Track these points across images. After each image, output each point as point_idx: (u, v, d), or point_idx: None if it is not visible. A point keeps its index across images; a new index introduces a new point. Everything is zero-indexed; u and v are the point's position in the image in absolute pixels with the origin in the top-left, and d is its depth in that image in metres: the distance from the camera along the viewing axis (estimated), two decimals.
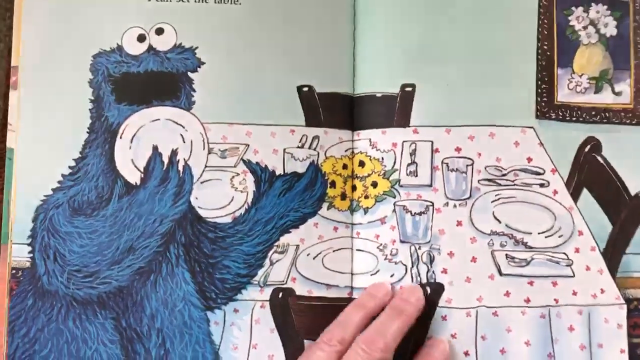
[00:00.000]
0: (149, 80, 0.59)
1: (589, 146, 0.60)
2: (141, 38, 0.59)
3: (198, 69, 0.58)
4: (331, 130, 0.60)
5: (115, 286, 0.59)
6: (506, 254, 0.58)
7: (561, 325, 0.57)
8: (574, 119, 0.60)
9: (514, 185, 0.59)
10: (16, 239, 0.59)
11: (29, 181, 0.59)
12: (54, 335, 0.59)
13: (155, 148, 0.59)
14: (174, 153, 0.58)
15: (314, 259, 0.60)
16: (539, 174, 0.59)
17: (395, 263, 0.59)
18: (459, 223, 0.59)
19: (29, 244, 0.59)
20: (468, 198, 0.60)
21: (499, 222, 0.59)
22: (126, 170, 0.59)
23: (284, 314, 0.59)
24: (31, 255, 0.59)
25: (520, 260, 0.58)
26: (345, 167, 0.60)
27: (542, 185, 0.59)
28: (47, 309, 0.59)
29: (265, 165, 0.59)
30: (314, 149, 0.60)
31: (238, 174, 0.59)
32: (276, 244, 0.59)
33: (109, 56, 0.59)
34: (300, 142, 0.60)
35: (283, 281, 0.59)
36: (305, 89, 0.59)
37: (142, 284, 0.59)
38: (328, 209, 0.60)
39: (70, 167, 0.59)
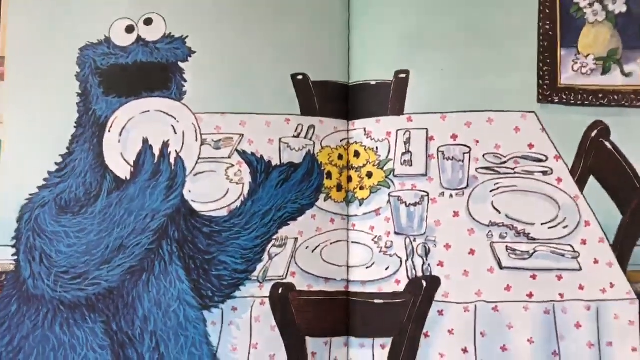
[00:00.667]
0: (138, 72, 0.54)
1: (596, 131, 0.55)
2: (129, 29, 0.56)
3: (189, 58, 0.54)
4: (326, 120, 0.56)
5: (105, 287, 0.53)
6: (507, 246, 0.54)
7: (567, 322, 0.52)
8: (579, 102, 0.55)
9: (515, 173, 0.55)
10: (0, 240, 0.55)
11: (13, 180, 0.54)
12: (39, 343, 0.53)
13: (145, 141, 0.54)
14: (165, 145, 0.54)
15: (312, 252, 0.55)
16: (541, 161, 0.55)
17: (390, 256, 0.54)
18: (456, 214, 0.55)
19: (13, 246, 0.53)
20: (465, 187, 0.55)
21: (499, 212, 0.54)
22: (115, 164, 0.54)
23: (285, 311, 0.53)
24: (15, 257, 0.53)
25: (522, 252, 0.53)
26: (340, 157, 0.56)
27: (544, 173, 0.55)
28: (33, 314, 0.54)
29: (261, 156, 0.54)
30: (310, 139, 0.56)
31: (233, 165, 0.54)
32: (274, 237, 0.54)
33: (96, 48, 0.55)
34: (296, 131, 0.55)
35: (283, 276, 0.54)
36: (300, 77, 0.55)
37: (133, 284, 0.53)
38: (325, 200, 0.55)
39: (57, 164, 0.54)
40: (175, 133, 0.54)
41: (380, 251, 0.55)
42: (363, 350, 0.54)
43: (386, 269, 0.54)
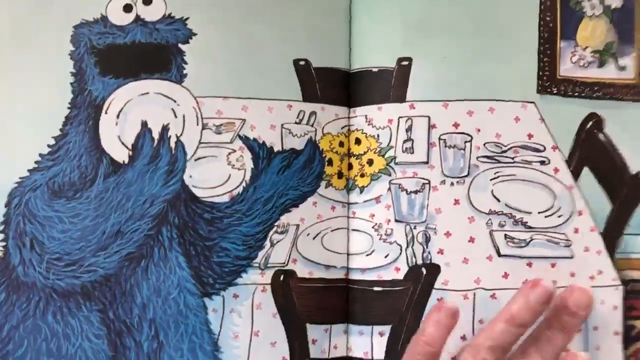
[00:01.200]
0: (137, 52, 0.52)
1: (591, 122, 0.55)
2: (127, 8, 0.53)
3: (190, 40, 0.52)
4: (328, 107, 0.55)
5: (101, 274, 0.51)
6: (505, 234, 0.54)
7: None
8: (576, 94, 0.55)
9: (514, 162, 0.55)
10: None
11: (1, 162, 0.51)
12: (30, 333, 0.50)
13: (144, 124, 0.51)
14: (164, 129, 0.51)
15: (313, 239, 0.54)
16: (539, 151, 0.55)
17: (390, 243, 0.54)
18: (457, 202, 0.54)
19: (1, 232, 0.50)
20: (466, 176, 0.55)
21: (498, 201, 0.54)
22: (112, 147, 0.51)
23: (286, 298, 0.53)
24: (4, 244, 0.50)
25: (519, 240, 0.54)
26: (341, 144, 0.55)
27: (542, 162, 0.55)
28: (23, 303, 0.51)
29: (263, 142, 0.53)
30: (312, 125, 0.55)
31: (235, 151, 0.53)
32: (276, 223, 0.53)
33: (92, 27, 0.52)
34: (297, 117, 0.54)
35: (284, 263, 0.53)
36: (302, 62, 0.54)
37: (131, 271, 0.51)
38: (326, 187, 0.54)
39: (49, 146, 0.51)
40: (176, 116, 0.52)
41: (380, 239, 0.55)
42: (362, 337, 0.54)
43: (386, 257, 0.54)
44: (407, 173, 0.55)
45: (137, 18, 0.53)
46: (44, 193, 0.51)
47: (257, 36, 0.54)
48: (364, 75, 0.56)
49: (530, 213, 0.54)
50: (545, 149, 0.55)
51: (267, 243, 0.53)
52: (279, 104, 0.54)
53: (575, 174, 0.55)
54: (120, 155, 0.52)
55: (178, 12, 0.53)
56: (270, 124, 0.54)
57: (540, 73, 0.55)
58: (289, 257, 0.53)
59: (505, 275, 0.53)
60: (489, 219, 0.54)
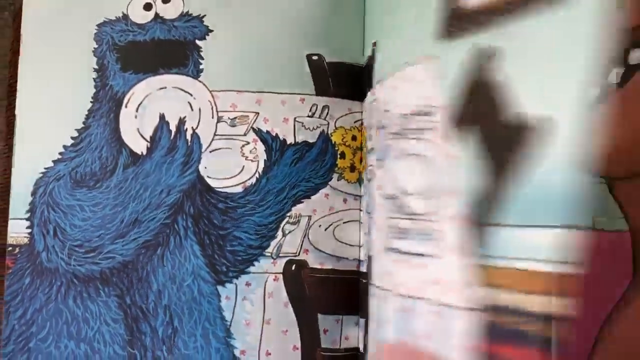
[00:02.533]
0: (156, 49, 0.53)
1: None
2: (147, 7, 0.55)
3: (206, 36, 0.54)
4: (341, 101, 0.55)
5: (119, 261, 0.53)
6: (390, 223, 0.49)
7: None
8: None
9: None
10: (14, 214, 0.52)
11: (28, 153, 0.53)
12: (52, 316, 0.53)
13: (162, 117, 0.53)
14: (181, 122, 0.53)
15: (325, 230, 0.54)
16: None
17: None
18: (379, 187, 0.50)
19: (27, 219, 0.53)
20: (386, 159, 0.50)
21: (395, 182, 0.49)
22: (132, 139, 0.53)
23: (298, 287, 0.54)
24: (30, 230, 0.53)
25: (400, 229, 0.47)
26: (354, 138, 0.57)
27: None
28: (46, 287, 0.53)
29: (276, 134, 0.54)
30: (324, 119, 0.56)
31: (248, 143, 0.54)
32: (288, 214, 0.54)
33: (114, 25, 0.54)
34: (310, 111, 0.55)
35: (296, 253, 0.53)
36: (315, 57, 0.55)
37: (148, 258, 0.53)
38: (338, 180, 0.55)
39: (72, 138, 0.53)
40: (192, 110, 0.54)
41: None
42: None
43: None
44: None
45: (157, 16, 0.55)
46: (67, 183, 0.53)
47: (271, 31, 0.55)
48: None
49: (411, 195, 0.41)
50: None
51: (279, 233, 0.54)
52: (292, 97, 0.55)
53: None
54: (139, 147, 0.53)
55: (195, 10, 0.55)
56: (284, 117, 0.55)
57: None
58: (301, 247, 0.54)
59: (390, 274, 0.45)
60: (387, 204, 0.47)
